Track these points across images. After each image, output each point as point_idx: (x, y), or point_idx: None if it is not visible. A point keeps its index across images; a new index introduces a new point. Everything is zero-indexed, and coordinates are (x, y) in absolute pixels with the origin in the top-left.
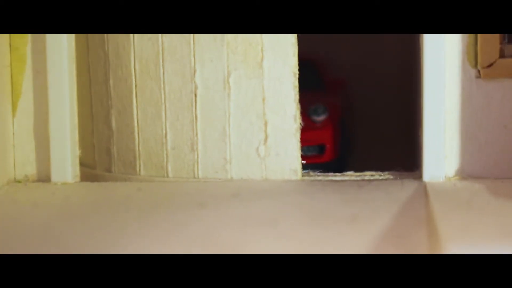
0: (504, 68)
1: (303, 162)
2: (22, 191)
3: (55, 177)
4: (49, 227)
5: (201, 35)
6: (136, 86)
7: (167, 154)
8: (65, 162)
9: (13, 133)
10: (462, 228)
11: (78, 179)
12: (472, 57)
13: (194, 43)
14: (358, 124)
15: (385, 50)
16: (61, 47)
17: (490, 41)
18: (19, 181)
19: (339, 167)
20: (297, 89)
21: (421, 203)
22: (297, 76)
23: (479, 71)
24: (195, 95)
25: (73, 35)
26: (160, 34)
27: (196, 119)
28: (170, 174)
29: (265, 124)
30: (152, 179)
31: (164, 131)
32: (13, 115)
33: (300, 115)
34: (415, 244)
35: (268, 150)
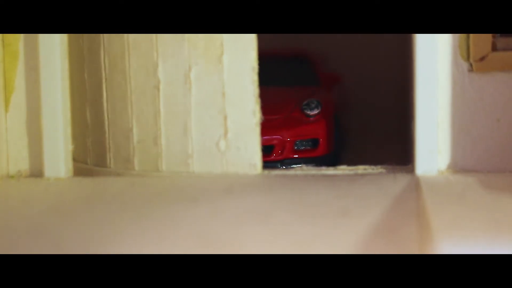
0: (496, 61)
1: (296, 156)
2: (15, 186)
3: (48, 172)
4: (41, 223)
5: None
6: (106, 80)
7: (133, 148)
8: (58, 157)
9: (6, 129)
10: (455, 222)
11: (71, 174)
12: (465, 51)
13: (156, 38)
14: (352, 118)
15: (380, 46)
16: (54, 43)
17: (483, 35)
18: (12, 177)
19: (332, 162)
20: (256, 83)
21: (414, 197)
22: (256, 71)
23: (471, 64)
24: (158, 90)
25: None
26: None
27: (159, 113)
28: (136, 168)
29: (225, 119)
30: (120, 172)
31: (130, 125)
32: (6, 111)
33: (294, 110)
34: (407, 239)
35: (229, 145)
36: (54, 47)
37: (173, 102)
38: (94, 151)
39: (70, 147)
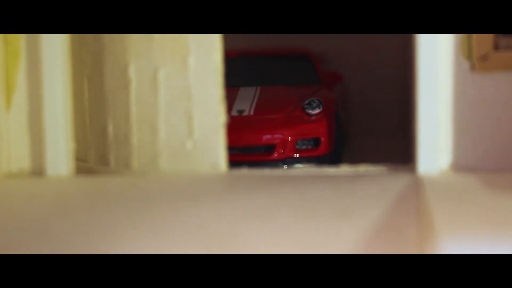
0: (498, 60)
1: (297, 155)
2: (16, 185)
3: (49, 170)
4: (42, 222)
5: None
6: (88, 78)
7: (109, 145)
8: (60, 156)
9: (8, 127)
10: (457, 221)
11: (72, 172)
12: (466, 50)
13: (129, 38)
14: (353, 117)
15: (381, 45)
16: (55, 42)
17: (485, 34)
18: (13, 175)
19: (334, 161)
20: (220, 85)
21: (416, 196)
22: (220, 72)
23: (473, 64)
24: (130, 89)
25: None
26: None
27: (131, 112)
28: (112, 164)
29: (192, 119)
30: (98, 169)
31: (106, 123)
32: (8, 109)
33: (295, 109)
34: (409, 238)
35: (194, 145)
36: (55, 45)
37: (143, 101)
38: (77, 147)
39: (71, 145)
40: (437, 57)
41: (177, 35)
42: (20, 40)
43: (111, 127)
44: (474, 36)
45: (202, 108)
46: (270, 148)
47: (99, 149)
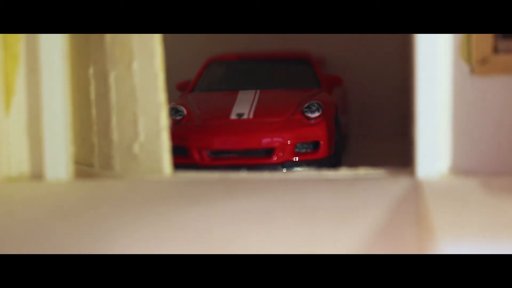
0: (498, 64)
1: (296, 158)
2: (16, 188)
3: (49, 174)
4: (41, 225)
5: (92, 35)
6: (66, 79)
7: (80, 143)
8: (59, 160)
9: (8, 131)
10: (456, 224)
11: (72, 176)
12: (466, 53)
13: (88, 40)
14: (353, 120)
15: (381, 48)
16: (54, 45)
17: (484, 37)
18: (13, 179)
19: (333, 164)
20: (161, 89)
21: (415, 200)
22: (160, 77)
23: (473, 67)
24: (90, 91)
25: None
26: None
27: (91, 113)
28: (81, 161)
29: (137, 123)
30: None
31: (78, 122)
32: (7, 113)
33: (295, 112)
34: (408, 242)
35: (140, 148)
36: (54, 49)
37: (100, 104)
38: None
39: (71, 149)
40: (436, 60)
41: (124, 40)
42: (19, 43)
43: (80, 126)
44: (474, 39)
45: (146, 112)
46: (269, 151)
47: (74, 146)
